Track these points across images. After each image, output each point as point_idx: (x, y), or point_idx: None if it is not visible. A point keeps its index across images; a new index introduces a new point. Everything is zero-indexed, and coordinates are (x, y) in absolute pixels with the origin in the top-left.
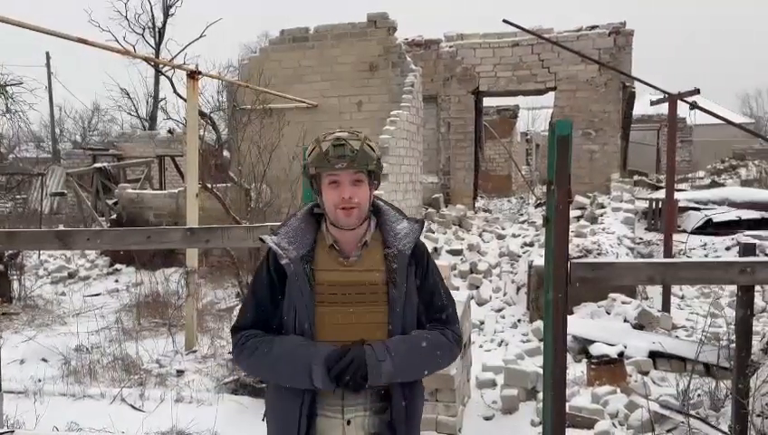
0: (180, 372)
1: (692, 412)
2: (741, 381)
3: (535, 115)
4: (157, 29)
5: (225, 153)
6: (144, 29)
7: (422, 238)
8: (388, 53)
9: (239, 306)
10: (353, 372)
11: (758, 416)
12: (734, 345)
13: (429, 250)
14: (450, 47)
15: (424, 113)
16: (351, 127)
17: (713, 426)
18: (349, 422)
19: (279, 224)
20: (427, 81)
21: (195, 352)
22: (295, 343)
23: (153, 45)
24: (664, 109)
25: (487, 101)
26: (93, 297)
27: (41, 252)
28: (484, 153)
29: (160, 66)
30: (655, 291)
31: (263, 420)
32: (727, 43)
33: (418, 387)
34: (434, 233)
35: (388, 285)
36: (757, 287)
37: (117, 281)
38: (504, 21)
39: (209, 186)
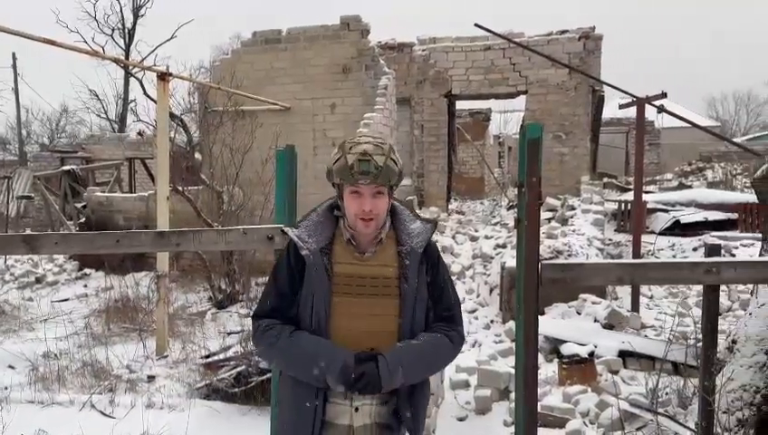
0: (151, 378)
1: (660, 410)
2: (707, 378)
3: (507, 118)
4: (126, 30)
5: (197, 156)
6: (113, 30)
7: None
8: (361, 56)
9: (260, 294)
10: (366, 382)
11: (724, 413)
12: (700, 344)
13: None
14: (423, 50)
15: (397, 116)
16: (324, 132)
17: (680, 423)
18: (357, 409)
19: (298, 219)
20: (400, 84)
21: (166, 357)
22: (312, 349)
23: (123, 46)
24: (632, 112)
25: (460, 104)
26: (62, 302)
27: (7, 256)
28: (458, 156)
29: (130, 68)
30: (624, 291)
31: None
32: (694, 47)
33: (425, 379)
34: None
35: (400, 279)
36: (723, 287)
37: (86, 286)
38: (476, 25)
39: (180, 189)
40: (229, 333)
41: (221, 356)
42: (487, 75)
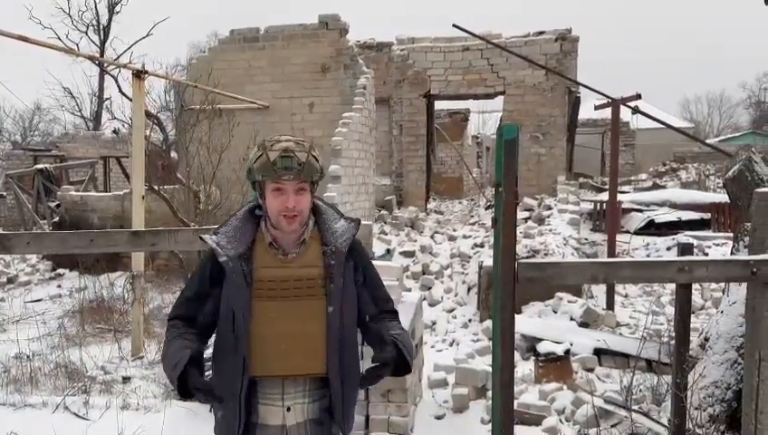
0: (126, 379)
1: (635, 407)
2: (679, 376)
3: (486, 118)
4: (101, 27)
5: (173, 154)
6: (88, 27)
7: (374, 240)
8: (339, 55)
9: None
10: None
11: (696, 409)
12: (674, 342)
13: (382, 252)
14: (402, 50)
15: (376, 116)
16: (303, 131)
17: (654, 420)
18: (289, 409)
19: (217, 225)
20: (379, 83)
21: (141, 358)
22: (174, 348)
23: (97, 44)
24: (608, 113)
25: (438, 105)
26: (34, 303)
27: None
28: (436, 156)
29: (105, 65)
30: (600, 290)
31: (210, 411)
32: (669, 50)
33: (355, 374)
34: (387, 235)
35: (325, 279)
36: (696, 286)
37: (59, 286)
38: (454, 26)
39: (156, 188)
40: None
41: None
42: (465, 76)
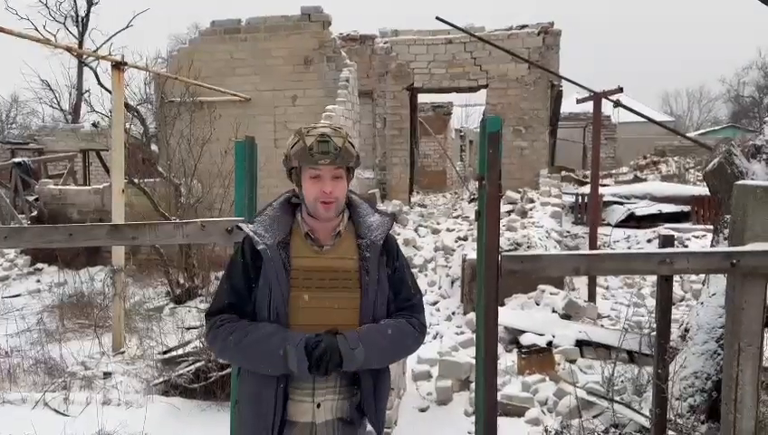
0: (107, 375)
1: (616, 398)
2: (660, 366)
3: (469, 112)
4: (80, 18)
5: (154, 147)
6: (66, 17)
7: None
8: (322, 48)
9: (214, 292)
10: (328, 359)
11: (677, 399)
12: (654, 333)
13: None
14: (385, 43)
15: (360, 109)
16: (285, 124)
17: (635, 410)
18: (319, 405)
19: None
20: (362, 76)
21: (123, 353)
22: (269, 330)
23: (76, 35)
24: (589, 107)
25: (422, 98)
26: (13, 298)
27: None
28: (420, 149)
29: (84, 57)
30: (581, 282)
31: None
32: (649, 45)
33: (385, 372)
34: None
35: (360, 272)
36: (676, 277)
37: (38, 281)
38: (438, 18)
39: (136, 181)
40: (188, 329)
41: (180, 352)
42: (449, 69)
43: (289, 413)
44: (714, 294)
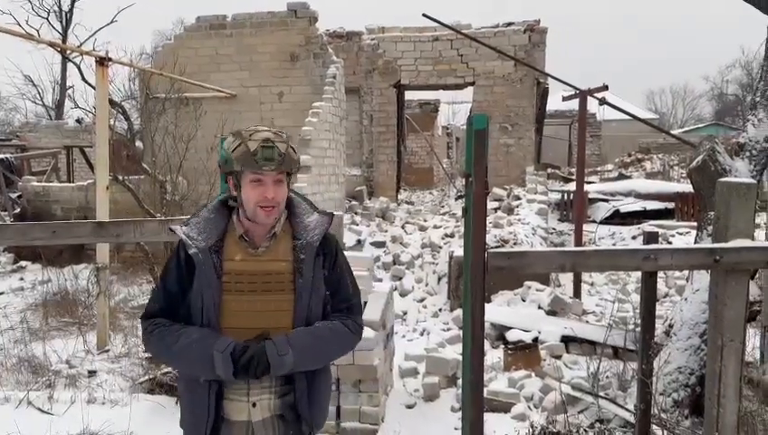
0: (92, 373)
1: (601, 394)
2: (645, 362)
3: (456, 109)
4: (63, 13)
5: (138, 144)
6: (49, 12)
7: (345, 231)
8: (309, 44)
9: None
10: (256, 365)
11: (661, 394)
12: (639, 329)
13: (353, 242)
14: (372, 40)
15: (346, 105)
16: (272, 120)
17: (620, 405)
18: (254, 404)
19: (188, 216)
20: (349, 73)
21: (107, 351)
22: (196, 336)
23: (60, 30)
24: (575, 105)
25: (409, 95)
26: None
27: None
28: (407, 146)
29: (67, 52)
30: (567, 278)
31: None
32: (635, 44)
33: (323, 371)
34: (357, 225)
35: (294, 274)
36: (661, 274)
37: (22, 279)
38: (424, 15)
39: (121, 178)
40: None
41: None
42: (436, 66)
43: (225, 412)
44: (697, 290)
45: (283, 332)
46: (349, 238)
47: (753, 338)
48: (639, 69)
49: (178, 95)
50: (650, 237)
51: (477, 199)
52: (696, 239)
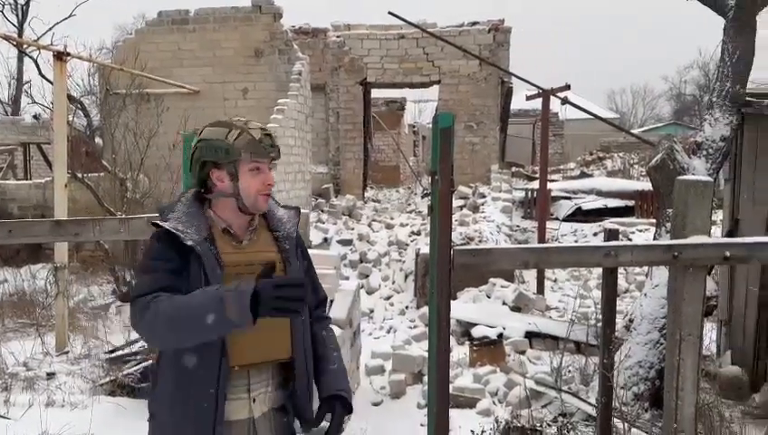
0: (51, 375)
1: (564, 388)
2: (606, 356)
3: (422, 107)
4: (19, 5)
5: (98, 140)
6: (4, 5)
7: (311, 229)
8: (274, 40)
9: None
10: (291, 294)
11: (622, 388)
12: (600, 324)
13: (320, 240)
14: (338, 37)
15: (312, 103)
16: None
17: (582, 399)
18: (254, 400)
19: (156, 214)
20: (314, 70)
21: (67, 353)
22: (201, 291)
23: (15, 24)
24: (538, 104)
25: (375, 93)
26: None
27: None
28: (373, 144)
29: (24, 46)
30: (531, 275)
31: (148, 420)
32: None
33: (311, 357)
34: (324, 223)
35: (284, 263)
36: (621, 270)
37: None
38: (390, 13)
39: (80, 176)
40: None
41: (126, 350)
42: (401, 64)
43: (226, 414)
44: (657, 286)
45: (283, 328)
46: (315, 236)
47: (710, 332)
48: (602, 70)
49: (139, 91)
50: (611, 234)
51: (443, 197)
52: (655, 236)
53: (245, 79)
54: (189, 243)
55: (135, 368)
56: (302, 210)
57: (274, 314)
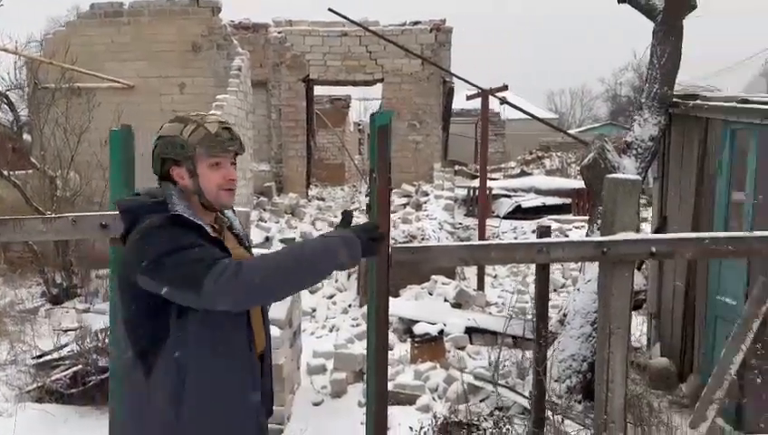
0: None
1: (501, 382)
2: (538, 350)
3: (367, 106)
4: None
5: (26, 136)
6: None
7: (253, 227)
8: (212, 35)
9: (186, 267)
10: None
11: (556, 381)
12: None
13: (261, 239)
14: (279, 33)
15: (253, 99)
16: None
17: (518, 393)
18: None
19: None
20: (255, 66)
21: None
22: (312, 240)
23: None
24: (480, 104)
25: (320, 90)
26: None
27: None
28: (317, 142)
29: None
30: (472, 272)
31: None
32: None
33: None
34: (265, 222)
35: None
36: (558, 265)
37: None
38: (330, 10)
39: (6, 173)
40: (65, 331)
41: (55, 355)
42: (344, 61)
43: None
44: (589, 281)
45: (257, 311)
46: (256, 235)
47: (641, 325)
48: (543, 70)
49: (70, 85)
50: (543, 231)
51: (381, 195)
52: (587, 233)
53: (183, 74)
54: (208, 228)
55: (64, 373)
56: (243, 209)
57: (368, 256)
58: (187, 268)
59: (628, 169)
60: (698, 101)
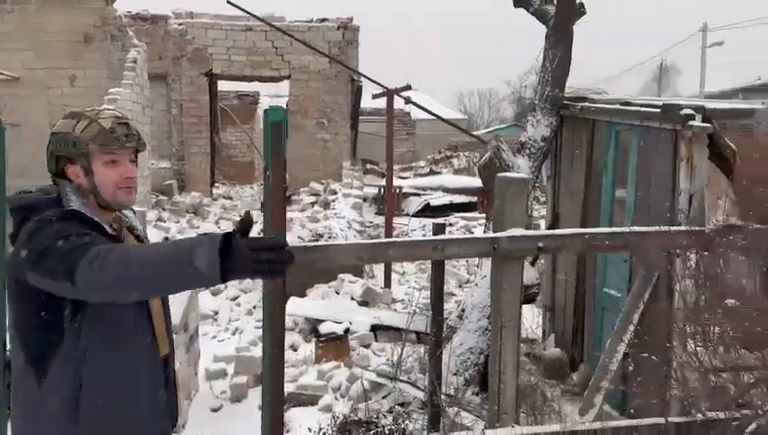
0: None
1: (405, 377)
2: (435, 344)
3: (278, 102)
4: None
5: None
6: None
7: (150, 227)
8: (106, 25)
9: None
10: (274, 258)
11: (454, 374)
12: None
13: (160, 239)
14: (180, 25)
15: (151, 93)
16: (62, 106)
17: (417, 387)
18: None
19: (48, 218)
20: (154, 58)
21: None
22: (172, 242)
23: None
24: (397, 104)
25: (227, 85)
26: None
27: None
28: (224, 139)
29: None
30: (380, 270)
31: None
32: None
33: None
34: (165, 222)
35: None
36: (463, 261)
37: None
38: (229, 2)
39: None
40: None
41: None
42: (250, 57)
43: None
44: (485, 277)
45: (160, 315)
46: (154, 236)
47: (537, 317)
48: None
49: None
50: (438, 229)
51: (275, 193)
52: (484, 230)
53: (74, 66)
54: (109, 231)
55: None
56: (139, 208)
57: (253, 277)
58: (66, 257)
59: (522, 168)
60: (586, 104)
